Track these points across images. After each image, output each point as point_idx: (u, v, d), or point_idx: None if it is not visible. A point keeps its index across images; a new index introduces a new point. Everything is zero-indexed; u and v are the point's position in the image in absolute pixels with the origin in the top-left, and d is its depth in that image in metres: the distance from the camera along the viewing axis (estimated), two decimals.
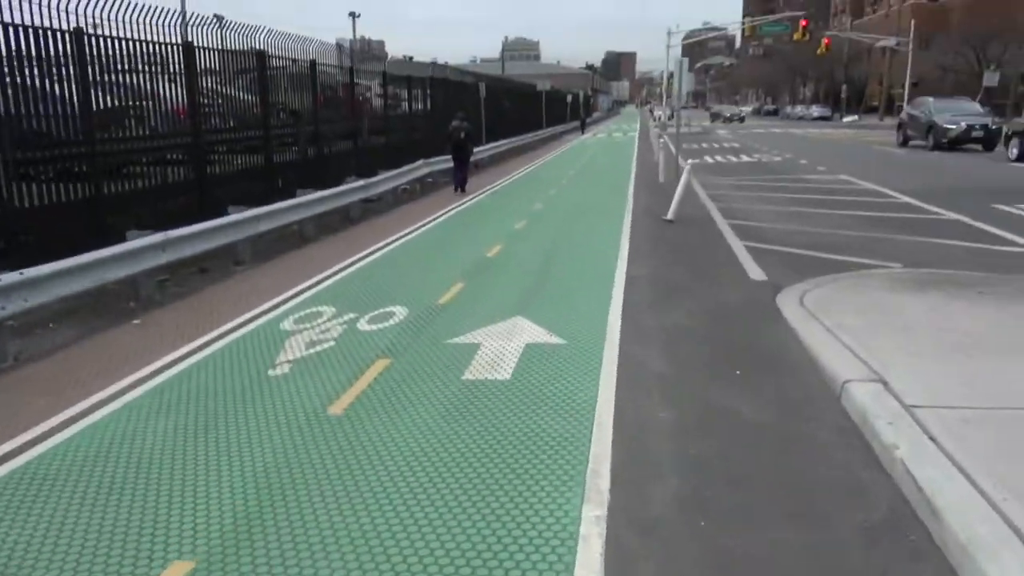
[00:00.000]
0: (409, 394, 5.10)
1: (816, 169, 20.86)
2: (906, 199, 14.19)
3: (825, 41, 62.37)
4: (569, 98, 60.38)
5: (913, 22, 67.35)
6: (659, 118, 76.29)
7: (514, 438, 4.34)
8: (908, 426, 4.13)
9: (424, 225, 12.97)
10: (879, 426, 4.17)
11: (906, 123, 29.09)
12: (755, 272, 8.51)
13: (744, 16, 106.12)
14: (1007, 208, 12.76)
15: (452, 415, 4.72)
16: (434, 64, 27.67)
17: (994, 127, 25.61)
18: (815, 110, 79.65)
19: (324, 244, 11.59)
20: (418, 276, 8.92)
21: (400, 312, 7.26)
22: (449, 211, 14.74)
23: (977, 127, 25.57)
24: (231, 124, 13.12)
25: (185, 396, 5.21)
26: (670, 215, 12.42)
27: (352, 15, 73.06)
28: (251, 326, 6.97)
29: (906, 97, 67.00)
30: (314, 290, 8.34)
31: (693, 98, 68.98)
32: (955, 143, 25.99)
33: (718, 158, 26.40)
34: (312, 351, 6.11)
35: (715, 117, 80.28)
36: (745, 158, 25.88)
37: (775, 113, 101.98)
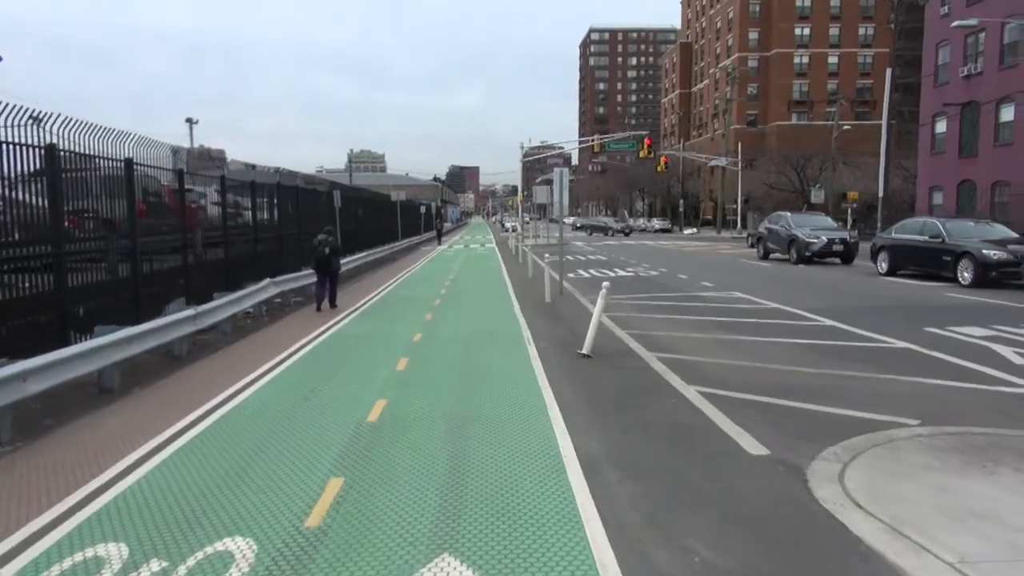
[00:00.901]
0: None
1: (702, 285, 19.77)
2: (828, 321, 12.91)
3: (664, 159, 65.87)
4: (423, 208, 59.11)
5: (740, 145, 73.04)
6: (512, 229, 77.00)
7: None
8: None
9: (274, 367, 9.94)
10: None
11: (765, 237, 29.48)
12: (746, 440, 6.29)
13: (580, 136, 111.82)
14: (942, 332, 11.65)
15: None
16: (280, 171, 24.92)
17: (852, 240, 26.24)
18: (656, 222, 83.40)
19: (128, 406, 8.23)
20: (267, 469, 5.84)
21: (243, 552, 4.33)
22: (307, 344, 11.77)
23: (837, 241, 26.06)
24: (12, 237, 9.68)
25: None
26: (586, 349, 10.20)
27: (189, 120, 69.41)
28: None
29: (739, 212, 72.00)
30: (84, 512, 5.08)
31: (537, 209, 70.02)
32: (817, 256, 26.32)
33: (593, 272, 25.09)
34: None
35: (592, 229, 77.27)
36: (621, 272, 24.72)
37: (627, 233, 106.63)
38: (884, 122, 42.69)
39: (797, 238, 26.67)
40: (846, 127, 65.40)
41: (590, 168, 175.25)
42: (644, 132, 62.83)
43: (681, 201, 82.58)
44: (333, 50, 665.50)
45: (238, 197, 19.18)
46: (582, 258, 32.98)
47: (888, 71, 43.71)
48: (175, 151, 18.26)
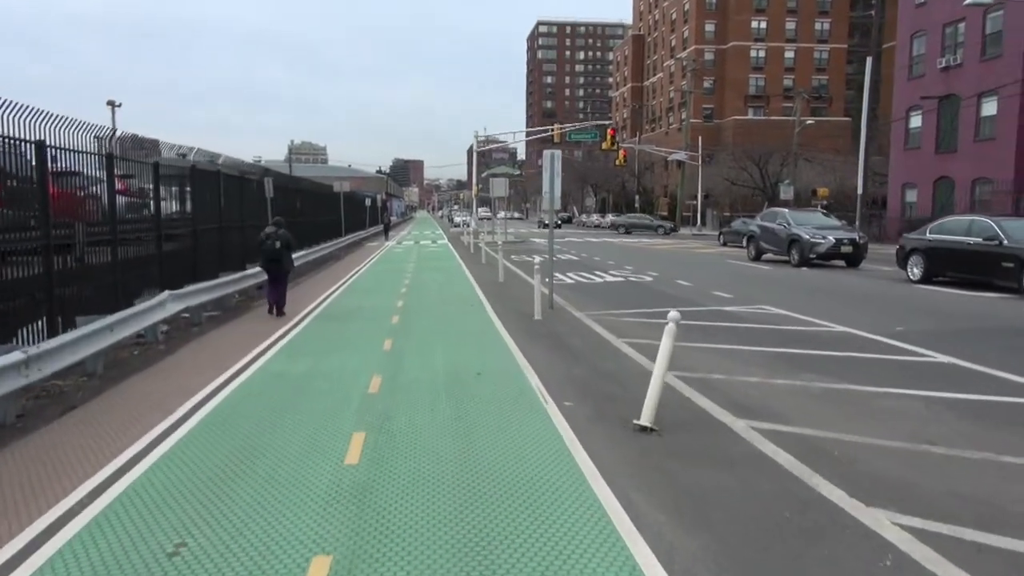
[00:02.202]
0: None
1: (717, 296, 16.37)
2: (936, 356, 9.54)
3: (623, 152, 62.93)
4: (368, 202, 54.69)
5: (701, 139, 70.60)
6: (464, 224, 72.68)
7: None
8: None
9: (132, 464, 5.97)
10: None
11: (758, 236, 26.37)
12: None
13: (521, 136, 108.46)
14: None
15: None
16: (199, 152, 20.51)
17: (862, 241, 23.28)
18: (611, 218, 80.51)
19: None
20: None
21: None
22: (203, 402, 7.80)
23: (846, 241, 23.05)
24: None
25: None
26: (646, 419, 6.53)
27: (111, 103, 63.20)
28: None
29: (699, 208, 69.59)
30: None
31: (483, 204, 66.32)
32: (822, 258, 23.31)
33: (574, 276, 21.48)
34: None
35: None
36: (607, 276, 21.19)
37: (569, 221, 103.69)
38: (864, 114, 40.34)
39: (800, 238, 23.59)
40: (809, 122, 63.54)
41: (539, 163, 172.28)
42: (607, 123, 59.77)
43: (636, 197, 79.90)
44: (274, 40, 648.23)
45: (145, 184, 15.06)
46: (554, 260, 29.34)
47: (868, 60, 41.41)
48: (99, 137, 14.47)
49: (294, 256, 18.47)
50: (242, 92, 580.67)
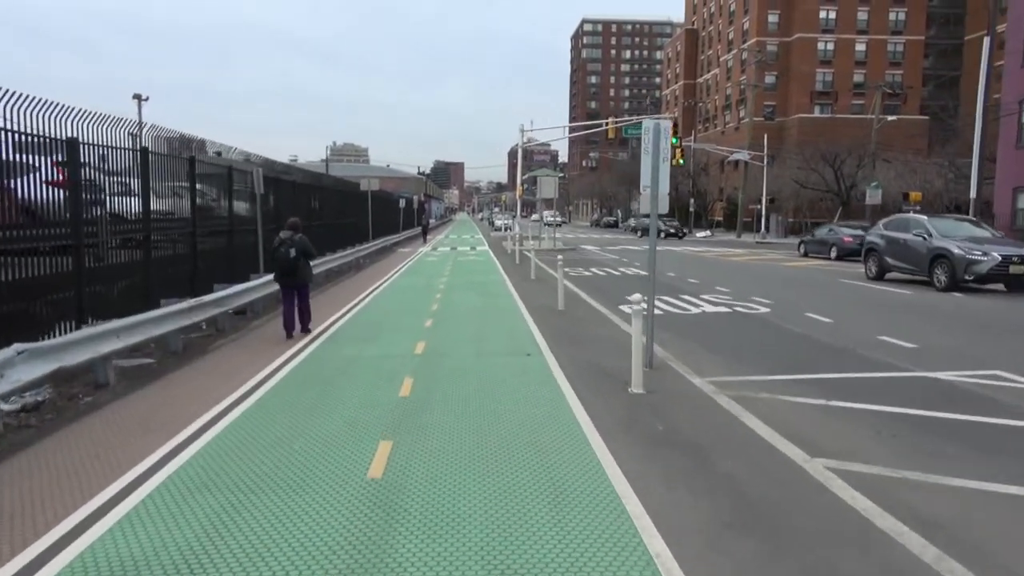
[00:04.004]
0: None
1: (883, 343, 11.12)
2: None
3: (680, 152, 57.52)
4: (403, 203, 50.00)
5: (766, 137, 64.60)
6: (506, 228, 67.63)
7: None
8: None
9: None
10: None
11: (882, 249, 20.83)
12: None
13: (571, 132, 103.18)
14: None
15: None
16: (183, 138, 15.82)
17: None
18: (662, 223, 74.82)
19: None
20: None
21: None
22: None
23: (1015, 259, 17.42)
24: None
25: None
26: None
27: (137, 97, 59.73)
28: None
29: (764, 213, 63.54)
30: None
31: (523, 207, 61.54)
32: (978, 281, 17.75)
33: (658, 302, 16.29)
34: None
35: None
36: (707, 305, 15.89)
37: (615, 225, 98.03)
38: (979, 106, 34.24)
39: (950, 253, 18.04)
40: (891, 119, 57.15)
41: (583, 164, 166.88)
42: (667, 116, 54.43)
43: (692, 200, 74.04)
44: (318, 43, 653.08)
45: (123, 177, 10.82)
46: (616, 273, 24.18)
47: (986, 40, 35.34)
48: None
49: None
50: (283, 94, 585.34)
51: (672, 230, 72.33)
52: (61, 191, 9.96)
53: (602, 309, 14.95)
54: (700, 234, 68.09)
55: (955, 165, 51.71)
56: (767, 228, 61.34)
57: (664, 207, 9.47)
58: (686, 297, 17.14)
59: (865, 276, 21.66)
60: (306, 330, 12.05)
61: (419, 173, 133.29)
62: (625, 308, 15.13)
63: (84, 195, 10.03)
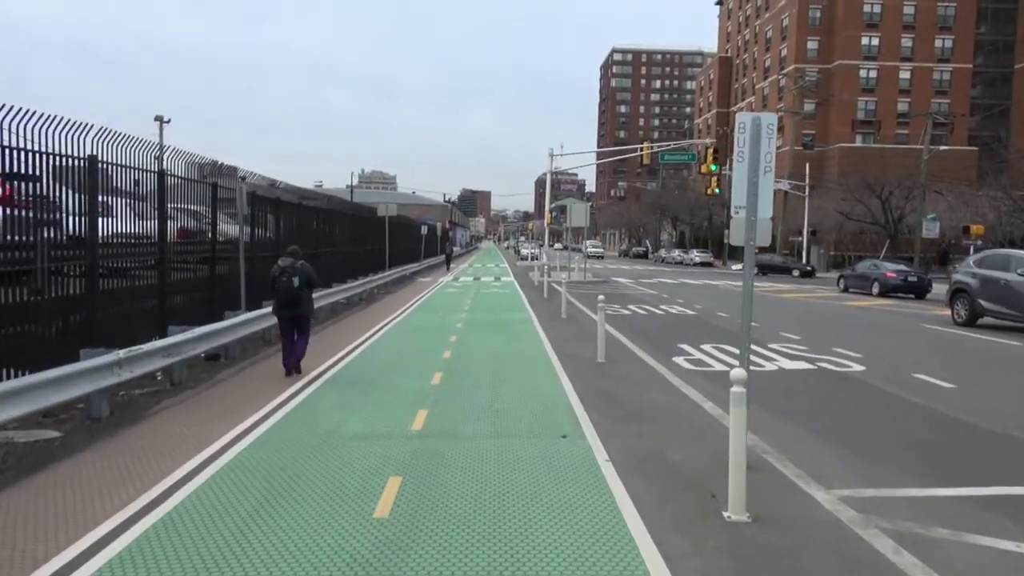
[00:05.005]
0: None
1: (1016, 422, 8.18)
2: None
3: (715, 180, 54.76)
4: (425, 229, 47.58)
5: (808, 167, 61.60)
6: (532, 257, 64.84)
7: None
8: None
9: None
10: None
11: (974, 291, 17.78)
12: None
13: (598, 161, 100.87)
14: None
15: None
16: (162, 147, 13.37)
17: None
18: (696, 255, 71.84)
19: None
20: None
21: None
22: None
23: None
24: None
25: None
26: None
27: (159, 119, 58.37)
28: None
29: (805, 245, 60.28)
30: None
31: (551, 236, 58.83)
32: None
33: (722, 355, 13.42)
34: None
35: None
36: (785, 361, 12.92)
37: (645, 256, 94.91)
38: None
39: None
40: (942, 149, 53.90)
41: (612, 193, 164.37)
42: (705, 142, 51.81)
43: (726, 232, 70.89)
44: (346, 69, 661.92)
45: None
46: (657, 312, 21.28)
47: None
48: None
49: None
50: (311, 121, 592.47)
51: (699, 259, 69.35)
52: None
53: (652, 363, 12.12)
54: (735, 266, 64.86)
55: (1011, 197, 48.32)
56: (808, 261, 58.02)
57: (766, 238, 6.72)
58: (756, 348, 14.24)
59: (952, 320, 18.57)
60: (296, 369, 10.81)
61: (445, 201, 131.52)
62: (682, 362, 12.27)
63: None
